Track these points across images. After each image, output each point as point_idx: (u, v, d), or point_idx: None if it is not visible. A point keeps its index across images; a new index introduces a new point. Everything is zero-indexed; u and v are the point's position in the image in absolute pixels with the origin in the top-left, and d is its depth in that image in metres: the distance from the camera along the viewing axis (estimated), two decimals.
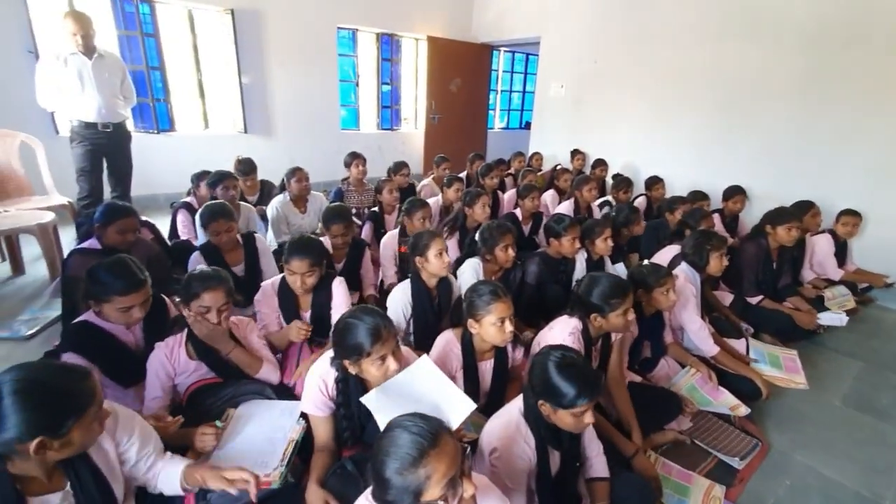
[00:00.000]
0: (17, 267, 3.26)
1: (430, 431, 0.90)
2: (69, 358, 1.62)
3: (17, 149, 3.55)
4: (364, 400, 1.32)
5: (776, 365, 2.49)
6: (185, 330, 1.70)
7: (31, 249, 3.44)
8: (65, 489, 1.07)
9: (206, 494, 1.31)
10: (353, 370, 1.40)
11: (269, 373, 1.81)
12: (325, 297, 2.11)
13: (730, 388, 2.19)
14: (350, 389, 1.46)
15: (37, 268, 3.35)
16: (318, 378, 1.49)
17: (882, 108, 3.67)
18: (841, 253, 3.58)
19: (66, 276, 2.23)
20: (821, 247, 3.52)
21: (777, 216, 2.95)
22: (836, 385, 2.57)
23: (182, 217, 3.28)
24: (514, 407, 1.39)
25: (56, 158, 3.72)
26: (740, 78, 4.42)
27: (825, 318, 2.88)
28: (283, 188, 3.66)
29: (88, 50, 3.26)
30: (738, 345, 2.57)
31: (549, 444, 1.35)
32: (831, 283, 3.46)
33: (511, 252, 2.37)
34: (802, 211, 3.37)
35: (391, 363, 1.35)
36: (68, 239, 3.49)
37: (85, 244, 2.30)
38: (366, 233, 3.32)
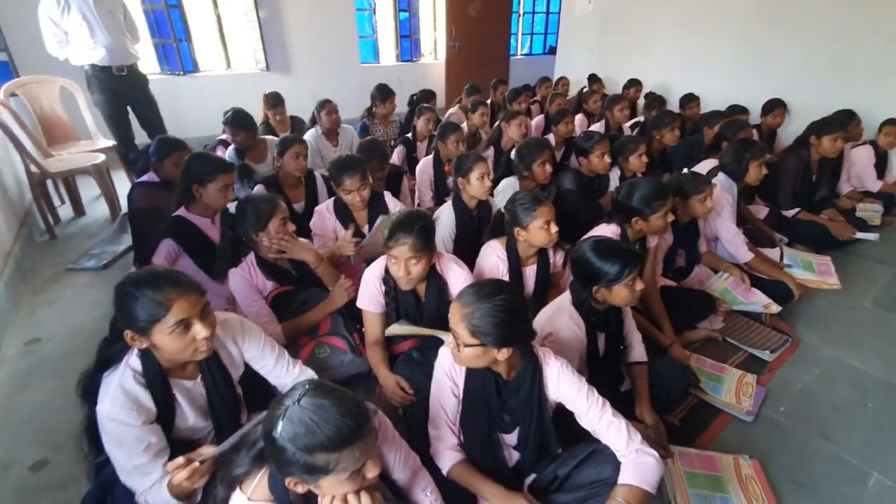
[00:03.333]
0: (78, 208, 3.48)
1: (361, 418, 0.84)
2: (166, 244, 1.93)
3: (57, 94, 3.65)
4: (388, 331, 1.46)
5: (809, 269, 2.55)
6: (252, 256, 1.80)
7: (87, 191, 3.65)
8: (196, 379, 1.26)
9: None
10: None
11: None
12: (380, 211, 2.22)
13: (763, 291, 2.28)
14: (398, 288, 1.61)
15: (95, 208, 3.58)
16: (373, 277, 1.65)
17: None
18: (881, 164, 3.48)
19: (132, 209, 2.39)
20: (860, 158, 3.43)
21: (824, 125, 2.88)
22: (867, 288, 2.63)
23: (220, 153, 3.37)
24: (564, 298, 1.52)
25: None
26: None
27: (860, 235, 2.93)
28: (313, 122, 3.71)
29: None
30: (772, 254, 2.62)
31: (596, 327, 1.48)
32: (867, 195, 3.41)
33: (549, 168, 2.42)
34: (847, 120, 3.26)
35: (410, 267, 1.51)
36: (119, 179, 3.67)
37: (144, 178, 2.44)
38: (397, 157, 3.38)
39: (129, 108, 3.54)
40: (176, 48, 5.05)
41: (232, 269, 1.78)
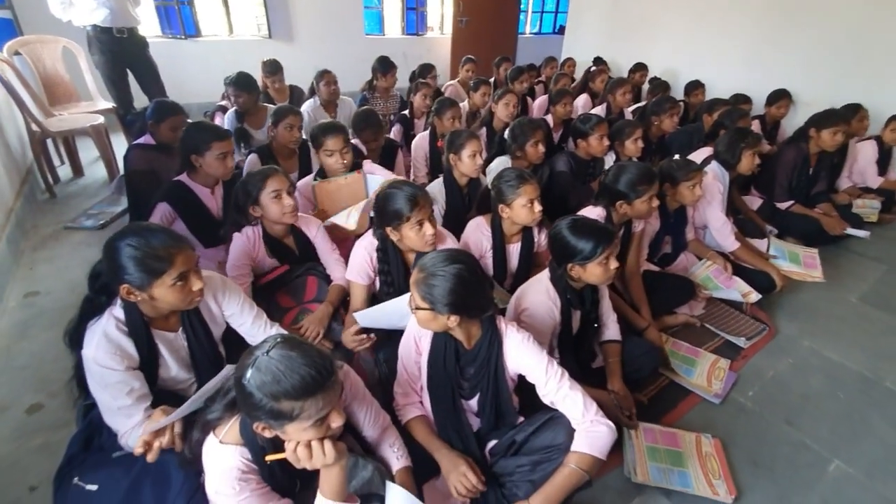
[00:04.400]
0: (77, 169, 3.52)
1: (325, 370, 0.87)
2: (162, 207, 1.96)
3: (60, 54, 3.64)
4: (356, 315, 1.47)
5: (795, 261, 2.56)
6: (260, 229, 1.81)
7: (86, 153, 3.68)
8: (178, 332, 1.32)
9: None
10: (394, 237, 1.57)
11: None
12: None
13: (746, 281, 2.29)
14: (390, 258, 1.64)
15: (94, 169, 3.61)
16: (363, 249, 1.67)
17: None
18: (884, 161, 3.44)
19: (128, 171, 2.43)
20: (864, 153, 3.40)
21: (824, 119, 2.84)
22: (856, 284, 2.65)
23: (219, 119, 3.38)
24: (544, 275, 1.56)
25: None
26: None
27: (851, 231, 2.91)
28: (312, 93, 3.69)
29: None
30: (760, 244, 2.63)
31: (572, 304, 1.52)
32: (866, 191, 3.39)
33: (541, 148, 2.42)
34: (850, 114, 3.21)
35: (428, 228, 1.51)
36: (118, 141, 3.69)
37: (140, 140, 2.46)
38: (395, 135, 3.37)
39: (128, 70, 3.53)
40: (178, 11, 5.00)
41: (237, 233, 1.81)
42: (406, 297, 1.29)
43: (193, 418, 1.07)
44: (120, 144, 3.58)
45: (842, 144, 2.95)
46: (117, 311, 1.21)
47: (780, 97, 3.73)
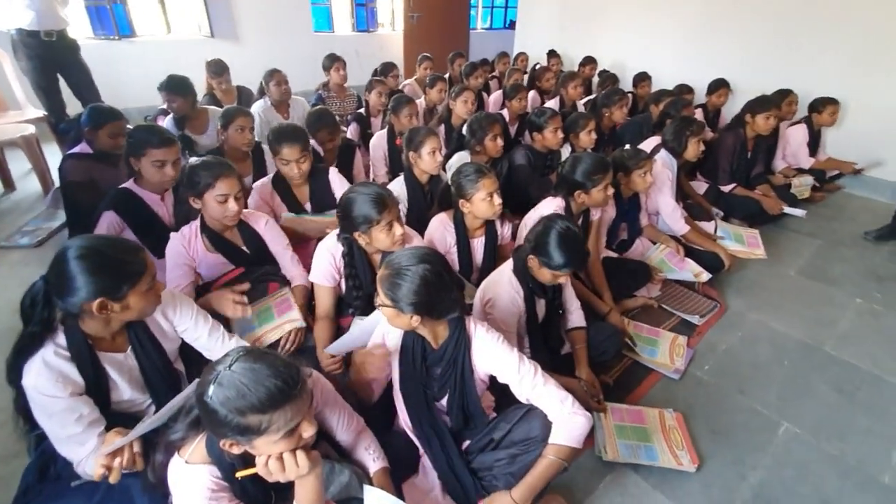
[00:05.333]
0: (8, 183, 3.25)
1: (292, 380, 0.85)
2: (108, 216, 1.84)
3: None
4: (330, 350, 1.43)
5: (740, 241, 2.73)
6: (199, 221, 1.72)
7: (17, 166, 3.40)
8: (126, 351, 1.24)
9: None
10: (362, 241, 1.54)
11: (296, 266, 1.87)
12: (323, 187, 2.17)
13: (697, 262, 2.43)
14: (356, 261, 1.62)
15: (26, 183, 3.35)
16: (327, 251, 1.64)
17: None
18: (814, 142, 3.71)
19: (64, 182, 2.27)
20: (795, 137, 3.65)
21: (757, 104, 3.03)
22: (794, 259, 2.85)
23: (161, 123, 3.22)
24: (506, 266, 1.58)
25: None
26: None
27: (788, 210, 3.13)
28: (262, 93, 3.57)
29: None
30: (708, 226, 2.79)
31: (535, 293, 1.55)
32: (801, 171, 3.64)
33: (500, 142, 2.45)
34: (780, 99, 3.44)
35: (396, 229, 1.50)
36: (51, 151, 3.43)
37: (76, 149, 2.30)
38: (352, 134, 3.32)
39: (59, 75, 3.30)
40: (111, 10, 4.70)
41: (172, 236, 1.70)
42: (371, 317, 1.30)
43: (154, 440, 1.02)
44: (53, 155, 3.34)
45: (774, 128, 3.16)
46: (59, 336, 1.14)
47: (720, 86, 3.94)
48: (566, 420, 1.15)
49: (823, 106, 3.52)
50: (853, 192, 3.89)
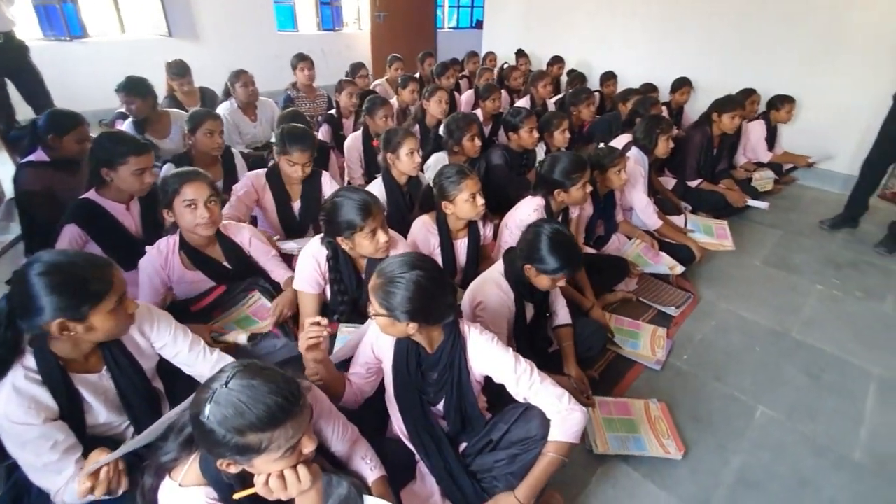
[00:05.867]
0: None
1: (293, 395, 0.83)
2: (70, 230, 1.73)
3: None
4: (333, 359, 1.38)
5: (709, 233, 2.84)
6: (178, 236, 1.64)
7: None
8: (101, 371, 1.17)
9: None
10: (345, 246, 1.51)
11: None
12: (315, 189, 2.16)
13: (670, 255, 2.51)
14: (341, 266, 1.59)
15: None
16: (311, 257, 1.60)
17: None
18: (771, 137, 3.90)
19: (20, 192, 2.11)
20: (755, 132, 3.82)
21: (724, 104, 3.15)
22: (758, 250, 2.98)
23: (120, 127, 3.06)
24: (495, 269, 1.59)
25: None
26: None
27: (752, 203, 3.27)
28: (227, 95, 3.46)
29: None
30: (678, 220, 2.88)
31: (524, 297, 1.56)
32: (760, 166, 3.82)
33: (478, 142, 2.46)
34: (745, 98, 3.60)
35: (381, 235, 1.47)
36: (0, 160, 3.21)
37: (32, 157, 2.15)
38: (324, 135, 3.26)
39: (7, 80, 3.12)
40: (60, 10, 4.43)
41: (148, 250, 1.63)
42: (365, 326, 1.28)
43: (141, 464, 0.97)
44: (3, 164, 3.12)
45: (738, 126, 3.30)
46: (27, 359, 1.07)
47: (683, 84, 4.09)
48: (564, 417, 1.16)
49: (781, 103, 3.70)
50: (806, 183, 4.11)
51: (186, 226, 1.59)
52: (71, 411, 1.10)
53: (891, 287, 2.64)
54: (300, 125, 2.13)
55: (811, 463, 1.61)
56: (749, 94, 3.70)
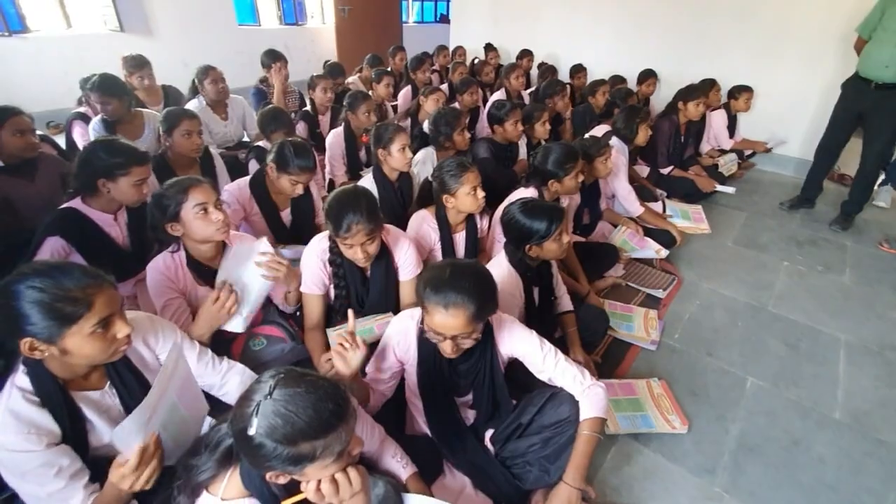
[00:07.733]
0: None
1: (342, 398, 0.81)
2: (53, 242, 1.60)
3: None
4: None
5: (687, 217, 2.98)
6: (183, 253, 1.51)
7: None
8: (104, 388, 1.10)
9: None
10: (342, 246, 1.48)
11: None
12: (306, 199, 2.08)
13: (652, 239, 2.61)
14: (345, 266, 1.56)
15: None
16: (315, 257, 1.56)
17: None
18: (731, 126, 4.12)
19: None
20: (717, 120, 4.02)
21: (688, 92, 3.30)
22: (729, 231, 3.15)
23: (80, 129, 2.86)
24: (501, 257, 1.60)
25: None
26: None
27: (720, 188, 3.46)
28: (195, 92, 3.29)
29: None
30: (656, 206, 3.00)
31: (532, 282, 1.59)
32: (723, 152, 4.03)
33: (467, 134, 2.48)
34: (708, 87, 3.77)
35: (370, 247, 1.45)
36: None
37: None
38: (300, 133, 3.16)
39: None
40: None
41: (151, 265, 1.49)
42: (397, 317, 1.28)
43: (170, 484, 0.92)
44: None
45: (703, 114, 3.46)
46: (20, 378, 0.98)
47: (648, 76, 4.24)
48: (589, 393, 1.19)
49: (740, 93, 3.91)
50: (763, 168, 4.36)
51: (199, 234, 1.45)
52: (74, 433, 1.03)
53: (847, 261, 2.86)
54: (300, 140, 2.01)
55: (799, 424, 1.73)
56: (711, 83, 3.87)
